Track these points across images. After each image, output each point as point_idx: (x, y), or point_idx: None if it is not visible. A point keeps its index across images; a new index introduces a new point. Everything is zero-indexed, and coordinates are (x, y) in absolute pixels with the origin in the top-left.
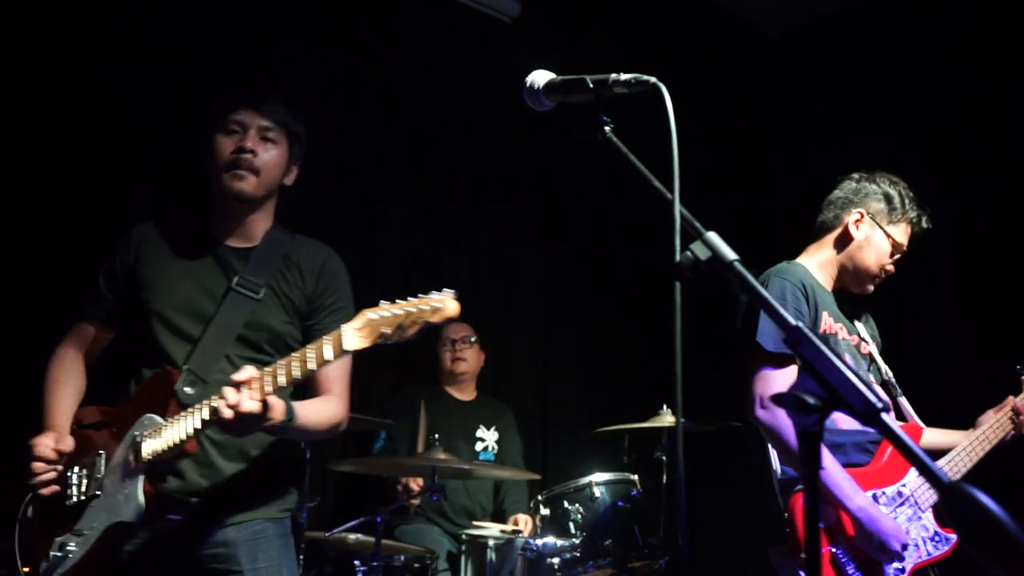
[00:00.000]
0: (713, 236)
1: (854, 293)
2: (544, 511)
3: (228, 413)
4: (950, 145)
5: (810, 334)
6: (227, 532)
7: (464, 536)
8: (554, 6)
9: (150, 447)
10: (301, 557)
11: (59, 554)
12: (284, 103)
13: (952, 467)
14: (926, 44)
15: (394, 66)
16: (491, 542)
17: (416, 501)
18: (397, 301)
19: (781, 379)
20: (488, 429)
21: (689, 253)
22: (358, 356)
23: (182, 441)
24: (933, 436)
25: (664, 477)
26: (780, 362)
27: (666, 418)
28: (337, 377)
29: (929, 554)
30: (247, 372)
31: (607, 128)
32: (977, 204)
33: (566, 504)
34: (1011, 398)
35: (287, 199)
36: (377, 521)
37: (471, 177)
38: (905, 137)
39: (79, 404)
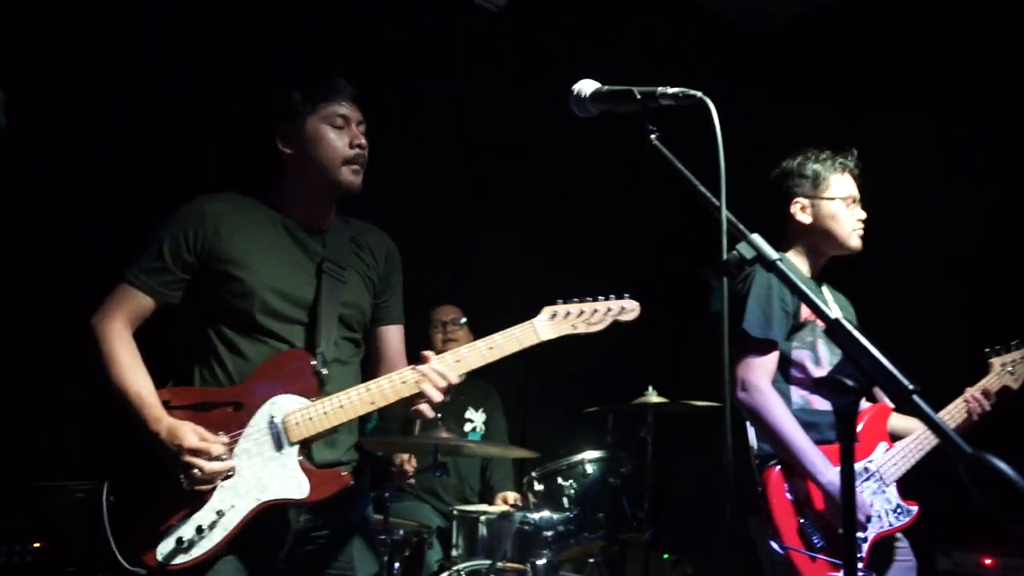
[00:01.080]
0: (758, 238)
1: (835, 281)
2: (538, 487)
3: (441, 384)
4: (932, 137)
5: (848, 325)
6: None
7: (456, 512)
8: None
9: (306, 428)
10: None
11: (193, 537)
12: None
13: (908, 451)
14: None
15: (379, 53)
16: (483, 517)
17: (412, 480)
18: (586, 299)
19: (764, 364)
20: (476, 410)
21: (736, 252)
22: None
23: (347, 420)
24: (896, 420)
25: (649, 455)
26: (763, 348)
27: (651, 398)
28: (403, 352)
29: (891, 524)
30: (435, 357)
31: (653, 136)
32: (953, 192)
33: (560, 480)
34: (967, 389)
35: None
36: (385, 497)
37: (458, 163)
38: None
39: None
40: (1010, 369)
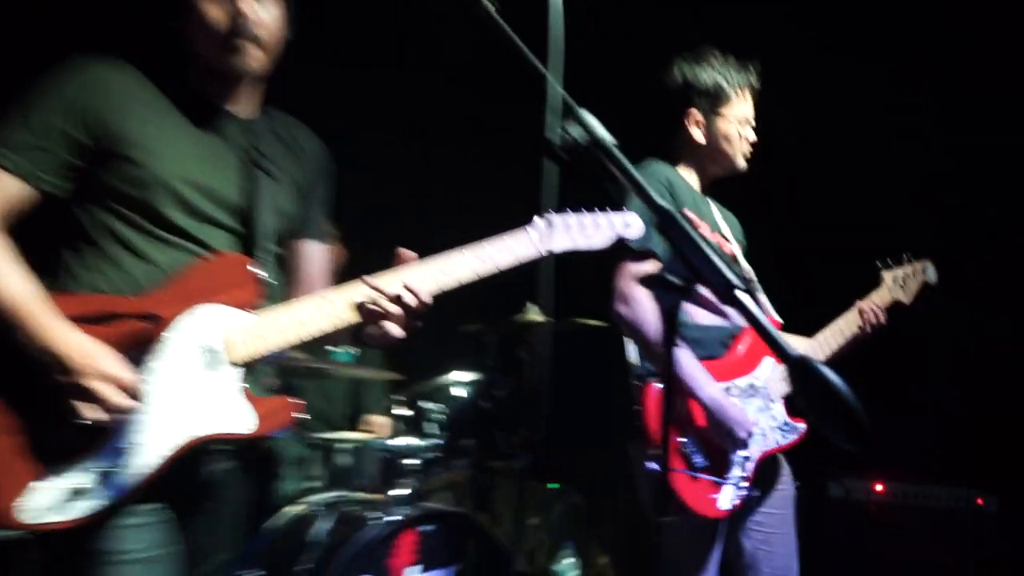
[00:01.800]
0: (589, 116)
1: (725, 194)
2: (404, 411)
3: (408, 298)
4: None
5: (678, 217)
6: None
7: (317, 440)
8: None
9: (253, 345)
10: None
11: (88, 485)
12: None
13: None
14: None
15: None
16: (344, 445)
17: None
18: (581, 211)
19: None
20: None
21: (562, 131)
22: None
23: (308, 336)
24: (788, 339)
25: (527, 377)
26: (642, 259)
27: (532, 315)
28: (328, 277)
29: (777, 443)
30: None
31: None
32: (850, 118)
33: (427, 404)
34: (857, 302)
35: None
36: None
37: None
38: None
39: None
40: (901, 283)
